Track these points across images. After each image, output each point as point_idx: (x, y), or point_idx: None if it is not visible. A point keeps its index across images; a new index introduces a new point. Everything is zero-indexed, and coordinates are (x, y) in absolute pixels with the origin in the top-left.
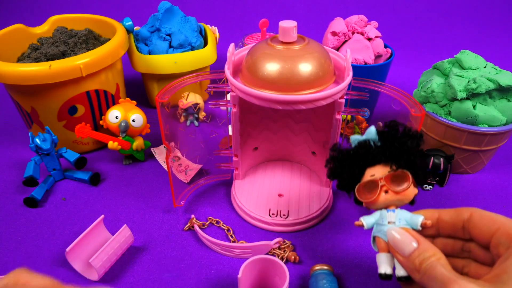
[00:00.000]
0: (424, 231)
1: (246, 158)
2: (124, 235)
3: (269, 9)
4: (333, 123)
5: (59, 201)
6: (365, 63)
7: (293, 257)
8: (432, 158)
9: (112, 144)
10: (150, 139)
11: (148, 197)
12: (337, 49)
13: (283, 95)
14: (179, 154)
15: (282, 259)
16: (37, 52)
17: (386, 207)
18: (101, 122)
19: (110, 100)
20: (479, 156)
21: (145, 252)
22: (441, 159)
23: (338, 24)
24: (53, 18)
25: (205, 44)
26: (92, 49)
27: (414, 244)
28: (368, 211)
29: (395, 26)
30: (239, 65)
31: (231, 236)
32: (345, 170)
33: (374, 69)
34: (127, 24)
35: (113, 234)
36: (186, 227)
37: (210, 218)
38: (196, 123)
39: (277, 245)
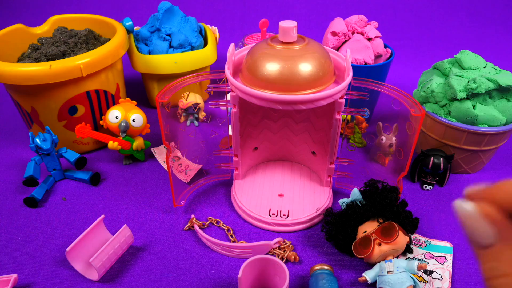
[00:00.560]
0: None
1: (246, 158)
2: (124, 235)
3: (269, 9)
4: (333, 123)
5: (59, 201)
6: (365, 63)
7: (293, 257)
8: (432, 158)
9: (112, 144)
10: (150, 139)
11: (148, 197)
12: (337, 49)
13: (283, 95)
14: (179, 154)
15: (282, 259)
16: (37, 52)
17: (384, 258)
18: (101, 122)
19: (110, 100)
20: (479, 156)
21: (145, 252)
22: (441, 159)
23: (338, 24)
24: (53, 18)
25: (205, 44)
26: (92, 49)
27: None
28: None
29: (395, 26)
30: (239, 65)
31: (231, 236)
32: (340, 231)
33: (374, 69)
34: (127, 24)
35: (113, 234)
36: (186, 227)
37: (210, 218)
38: (196, 123)
39: (277, 245)
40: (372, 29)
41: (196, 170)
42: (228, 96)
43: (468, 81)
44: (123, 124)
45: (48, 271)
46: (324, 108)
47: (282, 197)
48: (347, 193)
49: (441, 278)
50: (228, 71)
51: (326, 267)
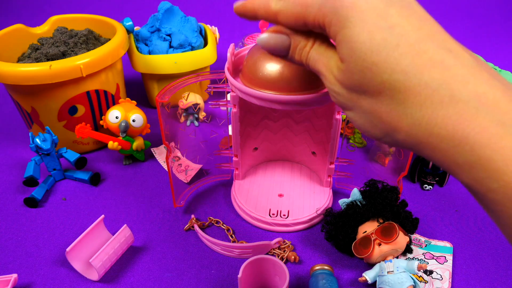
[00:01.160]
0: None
1: (246, 158)
2: (124, 235)
3: None
4: (333, 123)
5: (60, 201)
6: None
7: (293, 257)
8: None
9: (112, 144)
10: (150, 139)
11: (148, 197)
12: None
13: (284, 96)
14: (179, 154)
15: (282, 259)
16: (38, 52)
17: (384, 258)
18: (101, 122)
19: (110, 100)
20: None
21: (145, 252)
22: None
23: None
24: (53, 18)
25: (205, 44)
26: (92, 49)
27: (287, 41)
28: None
29: None
30: (239, 65)
31: (231, 236)
32: (340, 231)
33: None
34: (127, 24)
35: (113, 234)
36: (186, 227)
37: (210, 218)
38: (196, 123)
39: (277, 245)
40: None
41: (196, 170)
42: (228, 96)
43: None
44: (123, 124)
45: (48, 271)
46: (324, 108)
47: (282, 197)
48: (347, 193)
49: (441, 278)
50: (228, 71)
51: (326, 267)
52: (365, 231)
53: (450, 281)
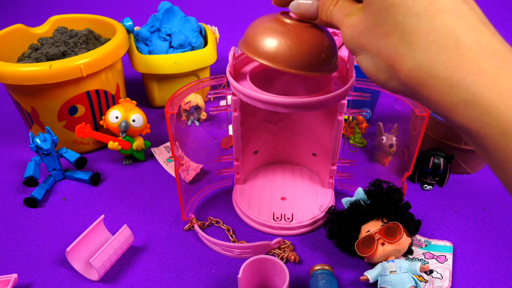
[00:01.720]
0: None
1: (246, 162)
2: (124, 235)
3: (269, 9)
4: (335, 124)
5: (60, 201)
6: None
7: (293, 257)
8: (432, 158)
9: (112, 144)
10: (150, 139)
11: (148, 197)
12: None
13: (289, 99)
14: (180, 152)
15: (282, 259)
16: (38, 52)
17: (386, 258)
18: (101, 122)
19: (110, 100)
20: (478, 156)
21: (145, 252)
22: (441, 159)
23: None
24: (53, 18)
25: (205, 44)
26: (92, 49)
27: (314, 4)
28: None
29: None
30: (240, 68)
31: (231, 236)
32: (342, 229)
33: None
34: (127, 24)
35: (113, 234)
36: (186, 227)
37: (210, 218)
38: (197, 123)
39: (277, 245)
40: None
41: (197, 170)
42: (229, 99)
43: None
44: (123, 124)
45: (48, 271)
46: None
47: (284, 200)
48: (349, 194)
49: (441, 277)
50: (230, 75)
51: (326, 267)
52: (368, 230)
53: (450, 280)
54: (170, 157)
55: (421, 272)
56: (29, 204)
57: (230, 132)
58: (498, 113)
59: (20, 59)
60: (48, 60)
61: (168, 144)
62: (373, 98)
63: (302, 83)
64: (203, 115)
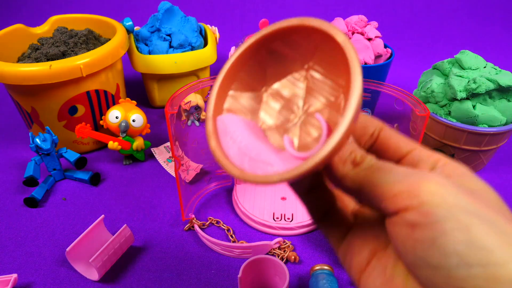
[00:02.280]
0: None
1: None
2: (124, 235)
3: (269, 9)
4: None
5: (60, 201)
6: (365, 63)
7: (293, 257)
8: None
9: (112, 144)
10: (150, 139)
11: (148, 197)
12: None
13: None
14: (180, 152)
15: (282, 259)
16: (38, 52)
17: None
18: (101, 122)
19: (110, 100)
20: (479, 156)
21: (145, 252)
22: None
23: (338, 24)
24: (53, 18)
25: (205, 44)
26: (93, 49)
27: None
28: None
29: (395, 26)
30: None
31: (231, 236)
32: None
33: (374, 69)
34: (127, 24)
35: (113, 234)
36: (186, 227)
37: (210, 218)
38: (197, 123)
39: (277, 245)
40: (372, 29)
41: (197, 170)
42: None
43: (468, 81)
44: (123, 124)
45: (48, 271)
46: None
47: (285, 200)
48: None
49: None
50: None
51: (326, 267)
52: None
53: None
54: (170, 157)
55: None
56: (29, 204)
57: None
58: None
59: (20, 59)
60: (48, 60)
61: (168, 144)
62: (373, 98)
63: None
64: (203, 115)
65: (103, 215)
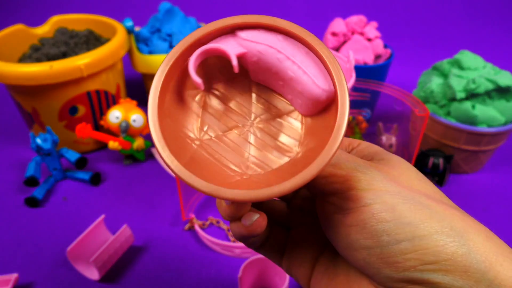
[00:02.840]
0: None
1: None
2: (124, 235)
3: (269, 9)
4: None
5: (60, 201)
6: (365, 64)
7: None
8: (431, 158)
9: (113, 144)
10: (150, 139)
11: (148, 197)
12: (337, 50)
13: None
14: None
15: None
16: (38, 52)
17: None
18: (101, 122)
19: (111, 100)
20: (478, 156)
21: (145, 252)
22: (440, 159)
23: (338, 25)
24: (54, 18)
25: None
26: (93, 49)
27: None
28: None
29: (395, 26)
30: None
31: (231, 236)
32: None
33: (373, 69)
34: (127, 24)
35: (113, 234)
36: (186, 227)
37: (210, 218)
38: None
39: None
40: (372, 30)
41: None
42: None
43: (468, 82)
44: (124, 124)
45: (49, 271)
46: None
47: None
48: None
49: None
50: None
51: None
52: None
53: None
54: None
55: None
56: (30, 204)
57: None
58: None
59: (21, 60)
60: (48, 60)
61: None
62: (373, 98)
63: None
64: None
65: (103, 215)
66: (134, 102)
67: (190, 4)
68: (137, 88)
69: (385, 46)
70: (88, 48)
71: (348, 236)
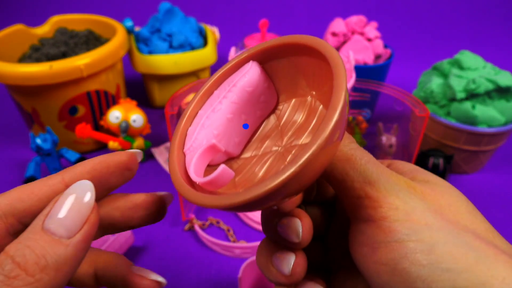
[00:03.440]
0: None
1: None
2: (124, 235)
3: (269, 9)
4: None
5: None
6: (365, 64)
7: None
8: (431, 158)
9: (113, 144)
10: (151, 140)
11: None
12: (337, 50)
13: None
14: None
15: None
16: (38, 52)
17: None
18: (101, 122)
19: (111, 100)
20: (478, 156)
21: (145, 252)
22: (440, 159)
23: (338, 25)
24: (54, 18)
25: (205, 44)
26: (93, 49)
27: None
28: None
29: (395, 26)
30: None
31: (231, 236)
32: None
33: (373, 69)
34: (127, 24)
35: (113, 234)
36: (186, 227)
37: (210, 218)
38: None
39: None
40: (372, 30)
41: None
42: None
43: (468, 82)
44: (124, 124)
45: None
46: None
47: None
48: None
49: None
50: None
51: None
52: None
53: None
54: None
55: None
56: None
57: None
58: None
59: (21, 60)
60: (48, 60)
61: (168, 144)
62: (373, 99)
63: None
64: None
65: None
66: (134, 102)
67: (190, 4)
68: (137, 88)
69: (385, 46)
70: (88, 48)
71: (379, 275)
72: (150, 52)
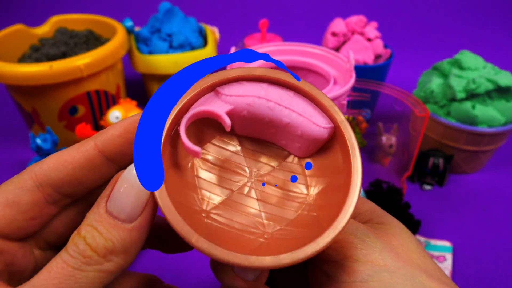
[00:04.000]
0: None
1: None
2: None
3: (269, 9)
4: None
5: None
6: (365, 64)
7: None
8: (431, 158)
9: None
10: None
11: None
12: (337, 50)
13: None
14: None
15: None
16: (38, 52)
17: None
18: (101, 122)
19: (111, 100)
20: (478, 156)
21: (145, 252)
22: (440, 159)
23: (337, 25)
24: (54, 18)
25: (205, 44)
26: (93, 49)
27: None
28: None
29: (395, 26)
30: None
31: None
32: None
33: (373, 69)
34: (127, 24)
35: None
36: None
37: None
38: None
39: None
40: (372, 30)
41: None
42: None
43: (468, 82)
44: None
45: None
46: None
47: None
48: None
49: None
50: None
51: None
52: None
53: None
54: None
55: None
56: None
57: None
58: None
59: (21, 60)
60: (48, 60)
61: None
62: (373, 99)
63: None
64: None
65: None
66: (134, 102)
67: (190, 4)
68: (137, 88)
69: (385, 46)
70: (88, 48)
71: None
72: (150, 52)
